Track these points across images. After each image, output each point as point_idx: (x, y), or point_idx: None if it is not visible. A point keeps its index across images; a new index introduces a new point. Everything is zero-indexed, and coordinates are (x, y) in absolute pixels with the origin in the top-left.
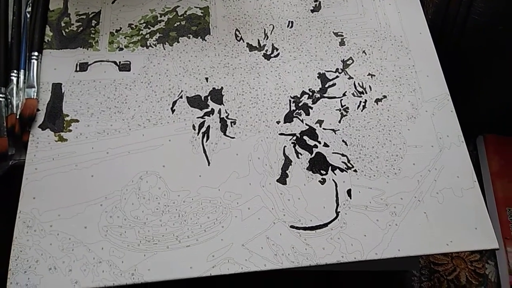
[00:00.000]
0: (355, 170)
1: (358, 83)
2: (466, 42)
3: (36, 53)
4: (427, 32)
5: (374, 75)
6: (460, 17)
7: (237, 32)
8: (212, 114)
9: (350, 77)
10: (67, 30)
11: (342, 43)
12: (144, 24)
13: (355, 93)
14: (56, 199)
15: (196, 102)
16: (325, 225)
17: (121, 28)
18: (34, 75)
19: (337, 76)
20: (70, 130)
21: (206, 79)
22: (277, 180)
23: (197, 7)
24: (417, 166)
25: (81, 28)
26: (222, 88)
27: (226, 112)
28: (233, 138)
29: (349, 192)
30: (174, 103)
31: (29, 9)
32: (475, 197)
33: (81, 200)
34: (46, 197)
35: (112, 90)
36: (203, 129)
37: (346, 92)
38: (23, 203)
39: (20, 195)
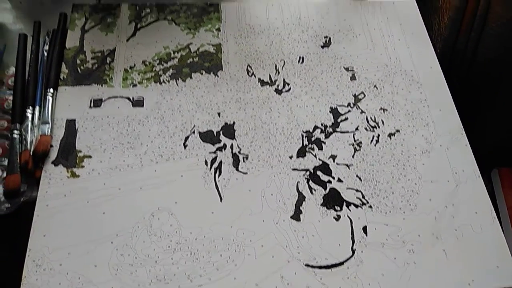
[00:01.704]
0: (370, 206)
1: (371, 118)
2: (476, 74)
3: (51, 90)
4: (437, 66)
5: (386, 109)
6: (469, 51)
7: (248, 68)
8: (224, 149)
9: (362, 112)
10: (82, 67)
11: (353, 78)
12: (158, 61)
13: (367, 128)
14: (66, 236)
15: (208, 137)
16: (341, 263)
17: (135, 65)
18: (49, 112)
19: (349, 111)
20: (82, 166)
21: (219, 114)
22: (291, 217)
23: (209, 44)
24: (434, 202)
25: (96, 65)
26: (234, 123)
27: (238, 147)
28: (245, 173)
29: (364, 229)
30: (187, 138)
31: (46, 47)
32: (495, 234)
33: (91, 238)
34: (56, 234)
35: (125, 125)
36: (215, 165)
37: (358, 126)
38: (33, 241)
39: (30, 233)
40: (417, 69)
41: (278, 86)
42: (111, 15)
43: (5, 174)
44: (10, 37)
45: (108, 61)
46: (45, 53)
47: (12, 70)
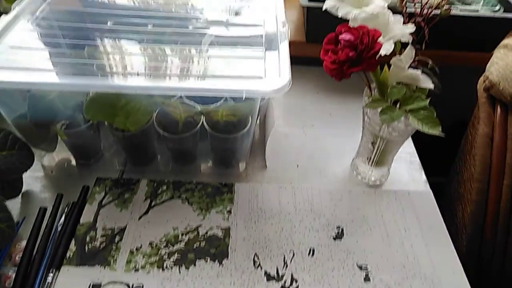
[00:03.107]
0: None
1: None
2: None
3: (53, 270)
4: (460, 272)
5: None
6: (497, 252)
7: (255, 258)
8: None
9: None
10: (90, 246)
11: (367, 279)
12: (165, 243)
13: None
14: None
15: None
16: None
17: (141, 245)
18: None
19: None
20: None
21: None
22: None
23: (218, 227)
24: None
25: (104, 245)
26: None
27: None
28: None
29: None
30: None
31: (62, 221)
32: None
33: None
34: None
35: None
36: None
37: None
38: None
39: None
40: (438, 273)
41: (285, 282)
42: (130, 190)
43: None
44: (32, 208)
45: (116, 240)
46: (59, 228)
47: (23, 244)
